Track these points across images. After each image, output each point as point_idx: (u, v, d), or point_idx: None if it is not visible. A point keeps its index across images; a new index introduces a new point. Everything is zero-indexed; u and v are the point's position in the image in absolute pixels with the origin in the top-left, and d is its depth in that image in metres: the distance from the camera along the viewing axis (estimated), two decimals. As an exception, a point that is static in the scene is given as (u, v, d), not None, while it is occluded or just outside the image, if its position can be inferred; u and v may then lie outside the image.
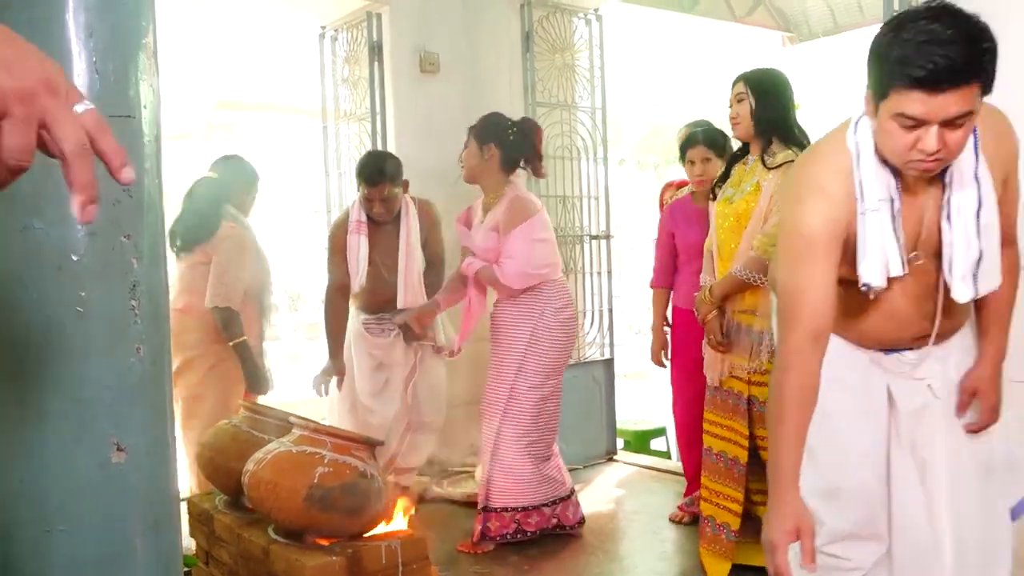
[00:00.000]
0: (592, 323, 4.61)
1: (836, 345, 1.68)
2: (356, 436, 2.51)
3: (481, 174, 3.31)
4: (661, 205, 4.31)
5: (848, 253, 1.58)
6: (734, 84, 2.81)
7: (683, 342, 3.49)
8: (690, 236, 3.41)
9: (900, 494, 1.68)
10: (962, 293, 1.55)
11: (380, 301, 3.53)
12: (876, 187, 1.53)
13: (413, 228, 3.50)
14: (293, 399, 4.76)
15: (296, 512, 2.31)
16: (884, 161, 1.52)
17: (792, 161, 2.62)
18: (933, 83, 1.34)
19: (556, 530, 3.34)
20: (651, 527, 3.52)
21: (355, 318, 3.60)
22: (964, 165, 1.51)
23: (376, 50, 4.31)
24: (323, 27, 4.59)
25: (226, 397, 3.27)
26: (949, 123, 1.38)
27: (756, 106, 2.73)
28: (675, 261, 3.53)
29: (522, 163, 3.33)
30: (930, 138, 1.39)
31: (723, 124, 3.96)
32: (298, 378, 5.22)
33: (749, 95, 2.74)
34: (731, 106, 2.80)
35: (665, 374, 3.67)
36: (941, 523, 1.67)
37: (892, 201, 1.53)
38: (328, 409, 3.67)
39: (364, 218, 3.46)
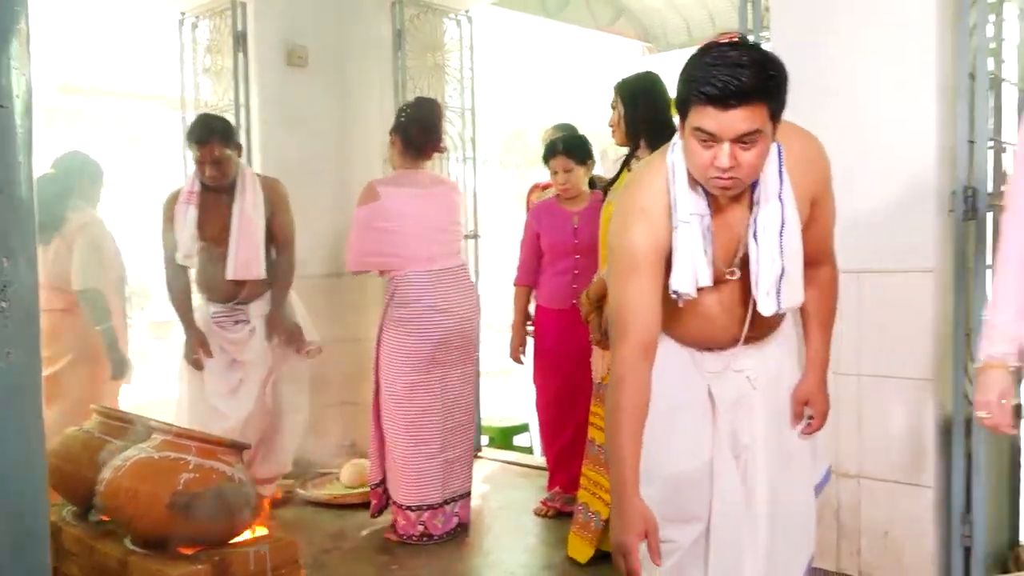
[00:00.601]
0: (459, 322, 4.65)
1: (661, 343, 1.79)
2: (222, 440, 2.44)
3: (395, 163, 3.40)
4: (528, 206, 4.42)
5: (670, 265, 1.70)
6: (613, 91, 2.93)
7: (544, 340, 3.59)
8: (554, 238, 3.52)
9: (721, 477, 1.82)
10: (766, 307, 1.70)
11: (227, 287, 3.31)
12: (688, 203, 1.65)
13: (250, 198, 3.28)
14: (142, 400, 4.54)
15: (159, 520, 2.23)
16: (696, 181, 1.65)
17: None
18: (722, 100, 1.48)
19: (458, 530, 3.39)
20: (516, 522, 3.61)
21: (203, 310, 3.39)
22: (769, 186, 1.65)
23: (240, 40, 4.18)
24: (183, 13, 4.39)
25: (92, 384, 3.14)
26: (740, 141, 1.52)
27: (625, 111, 2.86)
28: (539, 261, 3.61)
29: (425, 145, 3.35)
30: (723, 155, 1.53)
31: (586, 128, 4.12)
32: (146, 379, 4.97)
33: (619, 102, 2.87)
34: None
35: (527, 371, 3.76)
36: (758, 501, 1.82)
37: (703, 217, 1.66)
38: (177, 410, 3.50)
39: (197, 188, 3.28)
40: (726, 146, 1.52)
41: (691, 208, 1.65)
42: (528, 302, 3.67)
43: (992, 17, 2.72)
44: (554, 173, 3.48)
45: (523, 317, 3.67)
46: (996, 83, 2.76)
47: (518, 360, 3.70)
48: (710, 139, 1.53)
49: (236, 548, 2.33)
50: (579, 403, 3.41)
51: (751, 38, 3.08)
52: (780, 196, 1.66)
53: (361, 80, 4.46)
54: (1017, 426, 2.86)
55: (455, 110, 4.67)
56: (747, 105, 1.49)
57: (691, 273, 1.66)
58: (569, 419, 3.50)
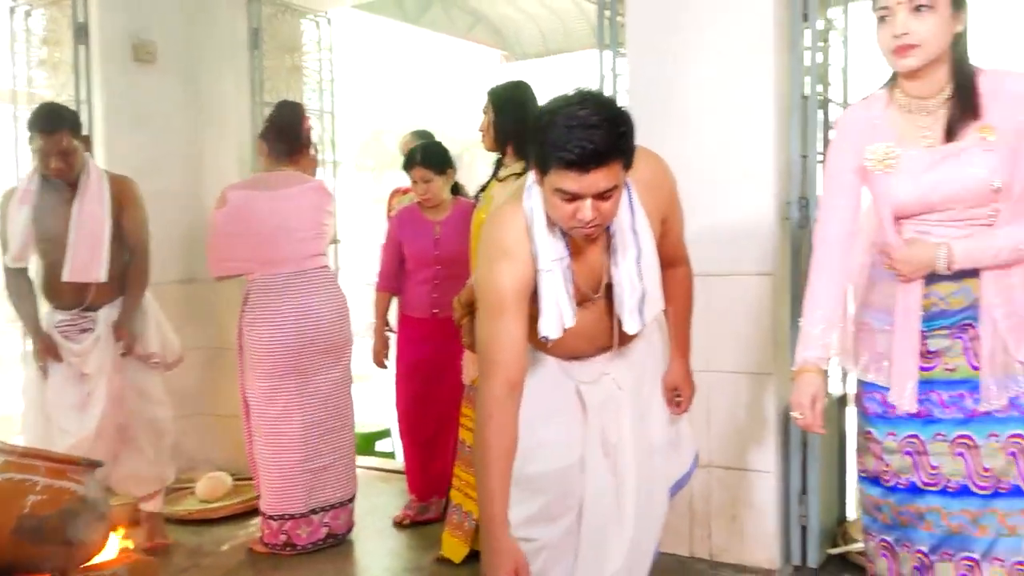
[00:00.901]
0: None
1: (532, 355, 1.87)
2: (73, 458, 2.31)
3: (263, 167, 3.42)
4: (389, 210, 4.42)
5: (536, 299, 1.77)
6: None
7: (405, 348, 3.58)
8: (416, 247, 3.50)
9: (592, 473, 1.91)
10: (631, 326, 1.82)
11: (72, 293, 3.08)
12: (549, 249, 1.73)
13: (93, 194, 3.05)
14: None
15: (3, 547, 2.08)
16: (554, 223, 1.73)
17: (520, 173, 2.84)
18: (582, 165, 1.57)
19: (327, 540, 3.32)
20: (382, 527, 3.59)
21: (48, 318, 3.15)
22: (623, 220, 1.76)
23: (81, 33, 3.94)
24: (15, 1, 4.09)
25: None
26: (600, 195, 1.62)
27: (495, 118, 2.92)
28: (402, 267, 3.58)
29: (290, 148, 3.33)
30: (586, 210, 1.62)
31: (444, 133, 4.15)
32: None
33: (490, 109, 2.94)
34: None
35: (388, 375, 3.75)
36: (626, 495, 1.92)
37: (563, 259, 1.75)
38: (22, 427, 3.26)
39: (35, 186, 3.06)
40: (588, 201, 1.61)
41: (552, 254, 1.73)
42: (388, 308, 3.66)
43: (820, 44, 2.99)
44: (414, 183, 3.48)
45: (384, 322, 3.65)
46: (824, 103, 3.04)
47: (381, 365, 3.68)
48: (571, 196, 1.61)
49: (91, 571, 2.22)
50: (438, 411, 3.46)
51: (608, 53, 3.24)
52: (634, 228, 1.76)
53: (215, 79, 4.30)
54: (843, 418, 3.15)
55: (314, 112, 4.59)
56: (605, 166, 1.58)
57: (557, 318, 1.74)
58: (428, 426, 3.51)
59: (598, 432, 1.92)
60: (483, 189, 3.03)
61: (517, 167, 2.88)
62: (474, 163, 11.43)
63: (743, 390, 2.94)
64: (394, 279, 3.61)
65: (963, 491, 1.84)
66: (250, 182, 3.43)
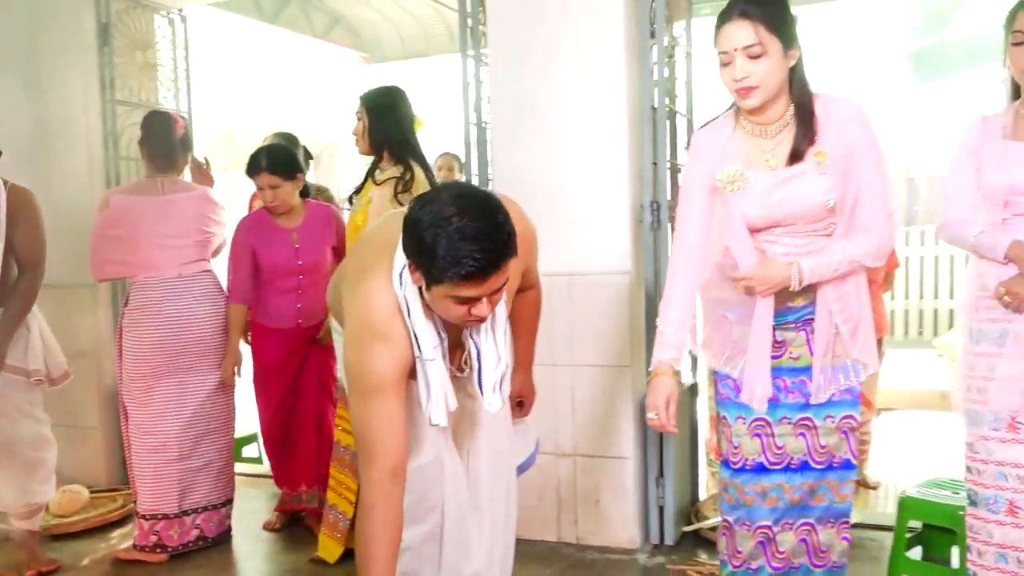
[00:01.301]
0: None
1: None
2: None
3: (145, 173, 3.42)
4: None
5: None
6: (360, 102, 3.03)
7: (264, 361, 3.45)
8: (275, 257, 3.34)
9: (450, 474, 1.97)
10: (493, 405, 1.81)
11: None
12: (428, 337, 1.71)
13: None
14: None
15: None
16: (428, 308, 1.70)
17: (397, 178, 2.91)
18: (483, 274, 1.57)
19: (198, 543, 3.30)
20: (253, 532, 3.56)
21: None
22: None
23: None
24: None
25: None
26: (495, 291, 1.65)
27: (369, 124, 2.98)
28: (256, 276, 3.38)
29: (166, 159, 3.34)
30: (483, 307, 1.65)
31: (304, 133, 4.12)
32: None
33: (364, 114, 2.99)
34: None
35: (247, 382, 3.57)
36: (482, 498, 2.03)
37: (441, 344, 1.77)
38: None
39: None
40: (484, 299, 1.63)
41: (432, 342, 1.72)
42: (245, 321, 3.43)
43: (667, 59, 3.23)
44: (260, 189, 3.29)
45: (239, 335, 3.43)
46: (672, 114, 3.28)
47: (231, 383, 3.37)
48: (469, 300, 1.62)
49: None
50: (299, 413, 3.47)
51: (470, 59, 3.34)
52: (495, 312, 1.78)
53: (60, 75, 4.09)
54: (694, 406, 3.40)
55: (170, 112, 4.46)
56: (502, 269, 1.61)
57: (443, 405, 1.76)
58: (291, 428, 3.49)
59: (451, 435, 1.99)
60: (357, 192, 3.07)
61: (394, 171, 2.95)
62: (333, 163, 11.30)
63: (604, 382, 3.13)
64: (248, 290, 3.36)
65: (803, 467, 2.10)
66: (133, 187, 3.48)
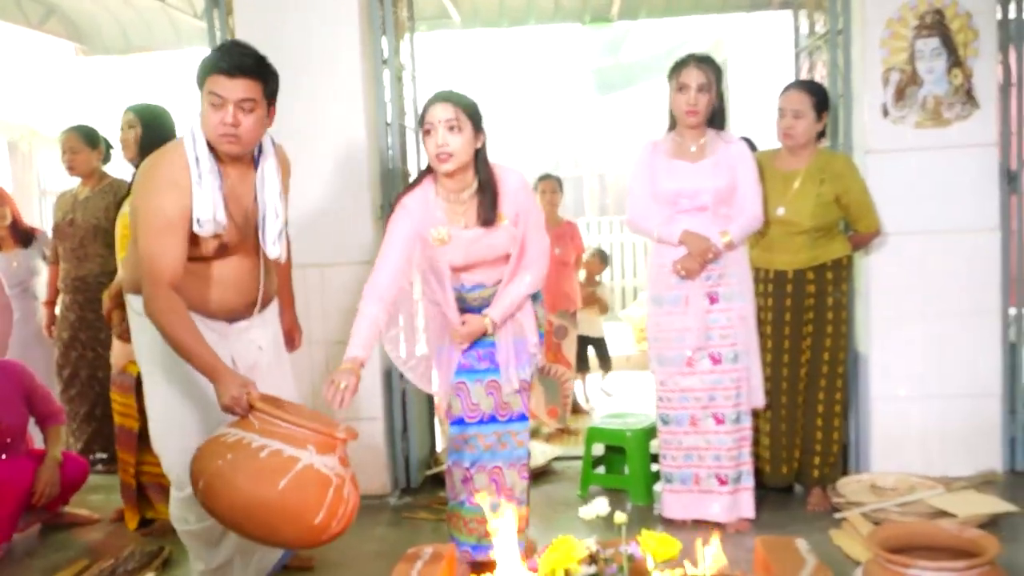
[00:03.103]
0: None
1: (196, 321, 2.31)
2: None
3: None
4: None
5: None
6: (124, 113, 3.31)
7: None
8: None
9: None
10: (273, 252, 2.37)
11: None
12: (206, 162, 2.25)
13: None
14: None
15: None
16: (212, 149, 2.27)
17: None
18: (227, 73, 2.20)
19: None
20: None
21: None
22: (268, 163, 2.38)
23: None
24: None
25: None
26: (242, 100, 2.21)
27: (142, 132, 3.26)
28: None
29: None
30: (228, 113, 2.20)
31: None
32: None
33: (137, 123, 3.28)
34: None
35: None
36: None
37: (214, 170, 2.25)
38: None
39: None
40: (231, 107, 2.21)
41: (208, 166, 2.25)
42: None
43: (397, 81, 3.82)
44: None
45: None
46: (402, 128, 3.88)
47: None
48: (220, 104, 2.20)
49: None
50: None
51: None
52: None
53: None
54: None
55: None
56: (249, 80, 2.22)
57: (209, 206, 2.22)
58: None
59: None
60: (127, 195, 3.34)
61: None
62: (32, 151, 10.51)
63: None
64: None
65: (492, 419, 2.74)
66: None
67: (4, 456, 3.30)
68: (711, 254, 3.02)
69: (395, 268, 2.58)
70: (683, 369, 3.10)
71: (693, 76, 2.99)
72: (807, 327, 3.31)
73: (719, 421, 3.09)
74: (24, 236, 4.48)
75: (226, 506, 2.01)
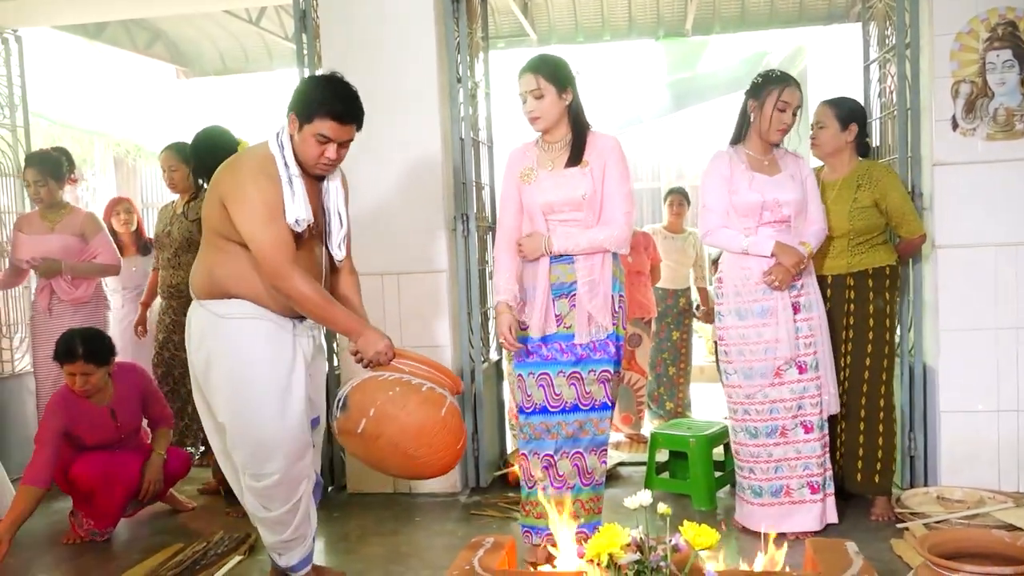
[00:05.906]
0: None
1: (260, 318, 2.52)
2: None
3: None
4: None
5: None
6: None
7: None
8: (91, 433, 3.48)
9: (307, 420, 2.63)
10: (338, 254, 2.63)
11: None
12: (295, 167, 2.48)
13: None
14: None
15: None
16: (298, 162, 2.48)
17: None
18: (339, 120, 2.43)
19: None
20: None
21: None
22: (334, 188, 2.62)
23: None
24: None
25: None
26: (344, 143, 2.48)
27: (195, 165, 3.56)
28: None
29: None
30: (333, 150, 2.45)
31: (113, 138, 4.42)
32: None
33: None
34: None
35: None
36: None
37: (303, 188, 2.48)
38: None
39: None
40: (335, 145, 2.46)
41: (297, 172, 2.49)
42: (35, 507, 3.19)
43: (472, 99, 4.01)
44: (71, 375, 3.33)
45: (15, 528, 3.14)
46: (476, 144, 4.07)
47: None
48: (325, 141, 2.44)
49: None
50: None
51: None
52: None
53: None
54: (500, 384, 4.17)
55: (6, 126, 4.68)
56: (353, 125, 2.48)
57: (304, 207, 2.46)
58: None
59: (309, 375, 2.65)
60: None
61: None
62: (136, 167, 11.20)
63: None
64: (49, 470, 3.22)
65: (575, 408, 2.87)
66: None
67: (118, 450, 3.58)
68: (803, 265, 3.11)
69: (515, 210, 2.90)
70: (772, 380, 3.14)
71: (796, 97, 3.12)
72: (848, 332, 3.34)
73: (808, 429, 3.14)
74: (143, 245, 5.00)
75: (397, 429, 2.33)
